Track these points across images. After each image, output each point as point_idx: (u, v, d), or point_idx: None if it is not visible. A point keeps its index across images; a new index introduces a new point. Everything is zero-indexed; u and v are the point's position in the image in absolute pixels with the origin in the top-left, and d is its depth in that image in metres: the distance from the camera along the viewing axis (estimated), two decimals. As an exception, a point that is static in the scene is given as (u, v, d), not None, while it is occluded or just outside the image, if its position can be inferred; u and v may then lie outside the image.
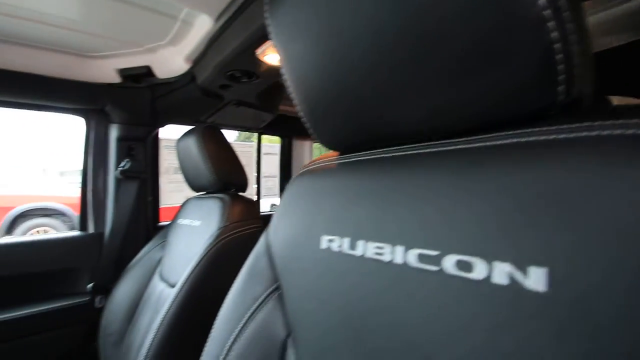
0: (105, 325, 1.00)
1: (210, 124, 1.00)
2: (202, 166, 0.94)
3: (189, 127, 1.04)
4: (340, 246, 0.31)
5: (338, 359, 0.31)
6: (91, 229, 1.18)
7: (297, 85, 0.33)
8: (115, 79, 1.06)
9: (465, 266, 0.23)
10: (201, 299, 0.77)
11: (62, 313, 1.06)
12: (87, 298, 1.10)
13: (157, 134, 1.32)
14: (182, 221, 1.02)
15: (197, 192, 1.09)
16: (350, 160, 0.36)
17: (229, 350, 0.38)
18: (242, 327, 0.39)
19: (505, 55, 0.22)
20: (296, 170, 1.92)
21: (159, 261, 1.04)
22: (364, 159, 0.34)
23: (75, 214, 4.14)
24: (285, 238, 0.39)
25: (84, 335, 1.08)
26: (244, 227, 0.85)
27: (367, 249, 0.29)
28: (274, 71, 0.90)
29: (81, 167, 1.21)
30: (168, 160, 1.41)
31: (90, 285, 1.10)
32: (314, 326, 0.33)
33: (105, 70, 1.05)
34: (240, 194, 1.00)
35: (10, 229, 3.65)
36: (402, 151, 0.31)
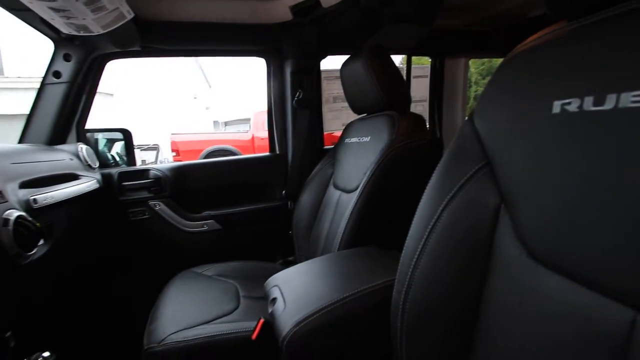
0: (296, 222, 1.30)
1: (375, 44, 1.03)
2: (368, 85, 1.00)
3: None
4: (579, 106, 0.31)
5: (566, 222, 0.32)
6: (277, 150, 1.49)
7: None
8: (288, 16, 1.21)
9: None
10: (379, 199, 0.90)
11: (268, 211, 1.45)
12: (282, 202, 1.45)
13: (319, 66, 1.46)
14: (349, 140, 1.15)
15: (360, 114, 1.19)
16: (585, 22, 0.33)
17: (440, 213, 0.46)
18: (452, 197, 0.45)
19: None
20: (448, 93, 1.79)
21: (331, 175, 1.24)
22: (602, 17, 0.31)
23: (241, 153, 5.35)
24: (499, 116, 0.41)
25: (282, 227, 1.45)
26: (414, 138, 0.90)
27: (621, 100, 0.28)
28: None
29: (265, 104, 1.49)
30: (327, 91, 1.57)
31: (283, 192, 1.44)
32: (537, 192, 0.35)
33: (279, 10, 1.20)
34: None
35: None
36: None
